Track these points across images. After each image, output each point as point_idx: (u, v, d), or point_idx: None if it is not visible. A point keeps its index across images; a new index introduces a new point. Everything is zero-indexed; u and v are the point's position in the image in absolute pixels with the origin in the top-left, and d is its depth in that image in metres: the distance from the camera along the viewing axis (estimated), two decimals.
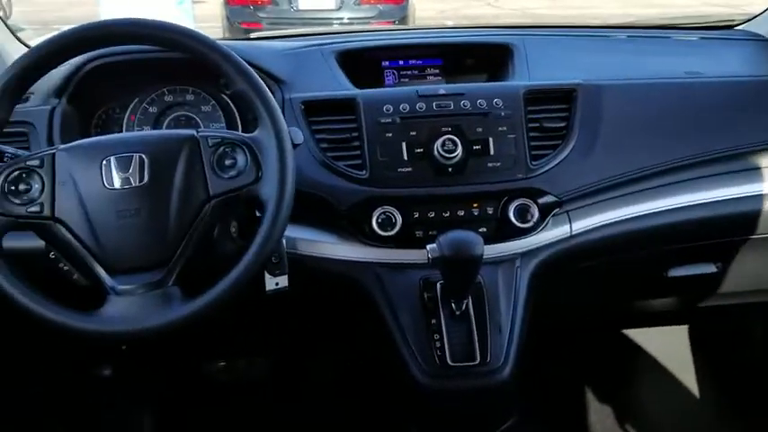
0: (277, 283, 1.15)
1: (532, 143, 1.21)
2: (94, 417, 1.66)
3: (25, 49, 1.14)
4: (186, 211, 0.97)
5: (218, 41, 1.01)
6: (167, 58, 1.28)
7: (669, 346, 1.82)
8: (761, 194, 1.27)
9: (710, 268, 1.38)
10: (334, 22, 6.44)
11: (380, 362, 1.24)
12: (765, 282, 1.47)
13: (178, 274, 0.96)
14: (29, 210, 0.94)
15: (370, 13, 6.53)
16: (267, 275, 1.13)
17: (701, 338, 1.81)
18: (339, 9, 6.50)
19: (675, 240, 1.30)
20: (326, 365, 1.77)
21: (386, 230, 1.17)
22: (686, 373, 1.78)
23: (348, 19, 6.51)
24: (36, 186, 0.95)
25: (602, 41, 1.53)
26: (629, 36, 1.56)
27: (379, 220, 1.17)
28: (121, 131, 1.33)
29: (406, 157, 1.18)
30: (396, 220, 1.17)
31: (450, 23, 8.23)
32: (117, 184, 0.95)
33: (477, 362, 1.10)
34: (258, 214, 1.13)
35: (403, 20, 6.54)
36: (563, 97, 1.25)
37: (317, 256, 1.21)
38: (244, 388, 1.78)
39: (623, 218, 1.24)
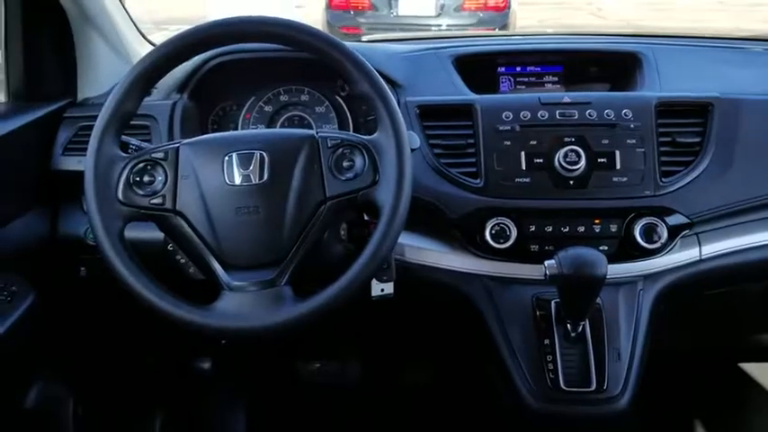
0: (383, 290, 1.12)
1: (663, 158, 1.13)
2: (191, 410, 1.69)
3: (150, 47, 1.17)
4: (303, 211, 0.96)
5: (341, 42, 0.99)
6: (285, 58, 1.29)
7: None
8: None
9: None
10: (433, 28, 6.41)
11: (481, 380, 1.19)
12: None
13: (290, 273, 0.95)
14: (152, 201, 0.96)
15: (471, 20, 6.45)
16: (374, 281, 1.10)
17: None
18: (439, 16, 6.46)
19: None
20: (422, 376, 1.74)
21: (499, 243, 1.13)
22: None
23: (447, 26, 6.46)
24: (159, 179, 0.96)
25: (738, 54, 1.43)
26: (765, 49, 1.45)
27: (493, 232, 1.13)
28: (237, 129, 1.35)
29: (524, 167, 1.13)
30: (510, 232, 1.12)
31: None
32: (237, 180, 0.95)
33: (593, 388, 1.04)
34: (367, 218, 1.12)
35: (504, 28, 6.43)
36: (698, 111, 1.17)
37: (425, 265, 1.18)
38: (335, 390, 1.77)
39: (757, 244, 1.14)
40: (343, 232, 1.11)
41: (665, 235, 1.10)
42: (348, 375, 1.74)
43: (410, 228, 1.17)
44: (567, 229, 1.12)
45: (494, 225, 1.13)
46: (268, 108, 1.35)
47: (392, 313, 1.42)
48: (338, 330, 1.64)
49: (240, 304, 0.92)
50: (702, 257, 1.14)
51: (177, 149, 0.98)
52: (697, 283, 1.15)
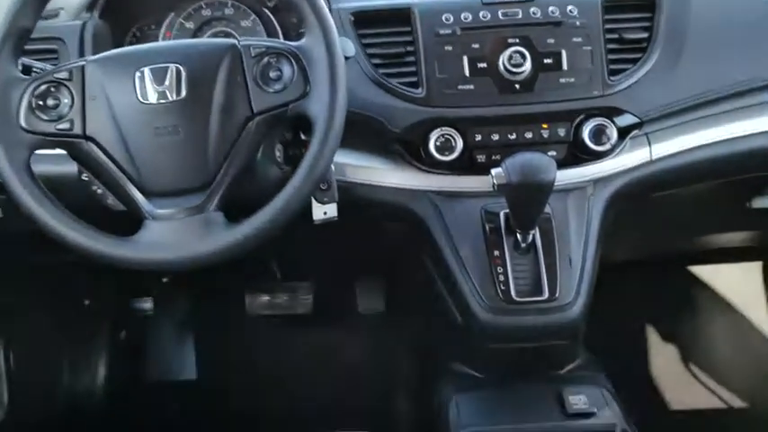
0: (325, 213, 1.06)
1: (610, 56, 1.08)
2: (136, 350, 1.64)
3: None
4: (228, 128, 0.88)
5: None
6: None
7: (739, 284, 1.71)
8: None
9: None
10: None
11: (433, 297, 1.16)
12: None
13: (220, 198, 0.88)
14: (58, 127, 0.87)
15: None
16: (315, 203, 1.04)
17: None
18: None
19: (760, 168, 1.17)
20: (374, 301, 1.71)
21: (444, 155, 1.07)
22: (758, 313, 1.67)
23: None
24: (65, 101, 0.88)
25: None
26: None
27: (438, 144, 1.07)
28: None
29: (467, 73, 1.06)
30: (455, 143, 1.07)
31: None
32: (152, 98, 0.86)
33: (545, 297, 1.01)
34: (304, 138, 1.05)
35: None
36: (646, 5, 1.11)
37: (368, 184, 1.12)
38: (287, 321, 1.74)
39: (710, 141, 1.11)
40: (278, 153, 1.04)
41: (614, 136, 1.06)
42: (299, 306, 1.70)
43: (350, 145, 1.10)
44: (514, 137, 1.07)
45: (438, 136, 1.07)
46: (189, 24, 1.24)
47: (339, 237, 1.37)
48: (285, 259, 1.60)
49: (165, 234, 0.86)
50: (653, 158, 1.10)
51: (83, 68, 0.88)
52: (647, 186, 1.12)
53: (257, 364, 1.66)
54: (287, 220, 0.87)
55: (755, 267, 1.71)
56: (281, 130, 1.02)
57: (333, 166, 1.04)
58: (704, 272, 1.71)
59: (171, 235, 0.85)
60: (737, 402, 1.51)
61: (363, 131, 1.09)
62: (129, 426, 1.59)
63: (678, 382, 1.56)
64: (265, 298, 1.71)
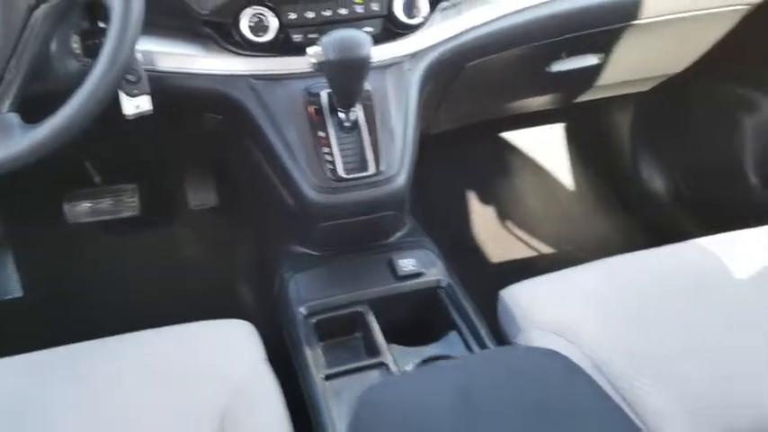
0: (138, 106, 0.99)
1: None
2: None
3: None
4: (10, 20, 0.79)
5: None
6: None
7: (546, 145, 1.87)
8: None
9: (593, 60, 1.36)
10: None
11: (263, 183, 1.16)
12: (643, 70, 1.48)
13: (13, 98, 0.80)
14: None
15: None
16: (126, 97, 0.97)
17: (575, 136, 1.87)
18: None
19: (561, 31, 1.25)
20: (203, 194, 1.67)
21: (259, 36, 1.03)
22: (562, 169, 1.85)
23: None
24: None
25: None
26: None
27: (251, 24, 1.03)
28: None
29: None
30: (269, 22, 1.03)
31: None
32: None
33: (371, 172, 1.04)
34: (103, 26, 0.96)
35: None
36: None
37: (180, 72, 1.06)
38: (114, 227, 1.65)
39: (515, 10, 1.17)
40: (75, 45, 0.95)
41: (425, 8, 1.08)
42: (125, 209, 1.62)
43: (157, 32, 1.04)
44: (329, 13, 1.05)
45: (250, 17, 1.02)
46: None
47: (159, 132, 1.31)
48: (103, 161, 1.50)
49: None
50: (463, 29, 1.14)
51: None
52: (460, 56, 1.16)
53: (87, 273, 1.58)
54: (90, 117, 0.81)
55: (558, 128, 1.87)
56: (75, 19, 0.93)
57: (140, 56, 0.97)
58: (515, 136, 1.84)
59: None
60: (546, 249, 1.70)
61: (170, 16, 1.03)
62: None
63: (496, 237, 1.71)
64: (86, 205, 1.61)
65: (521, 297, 1.02)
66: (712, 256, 1.02)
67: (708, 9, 1.29)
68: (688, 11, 1.29)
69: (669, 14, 1.28)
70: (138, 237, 1.65)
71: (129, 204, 1.63)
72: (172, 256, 1.60)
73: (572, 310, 0.96)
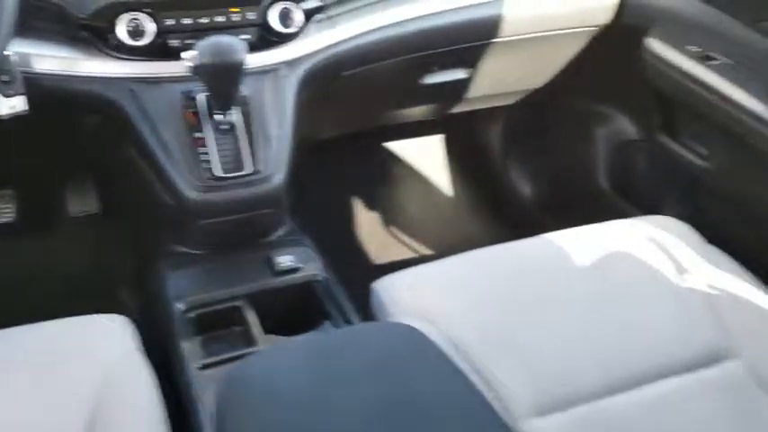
0: (13, 106, 1.01)
1: None
2: None
3: None
4: None
5: None
6: None
7: (426, 153, 1.98)
8: None
9: (461, 74, 1.47)
10: None
11: (143, 185, 1.18)
12: (507, 84, 1.62)
13: None
14: None
15: None
16: (0, 97, 0.98)
17: (452, 145, 1.99)
18: None
19: (430, 46, 1.35)
20: (84, 200, 1.65)
21: (136, 40, 1.07)
22: (439, 176, 1.96)
23: None
24: None
25: None
26: None
27: (129, 29, 1.06)
28: None
29: None
30: (146, 27, 1.07)
31: None
32: None
33: (248, 171, 1.10)
34: None
35: None
36: None
37: (57, 74, 1.08)
38: None
39: (385, 24, 1.26)
40: None
41: (300, 19, 1.15)
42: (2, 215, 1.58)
43: (34, 34, 1.06)
44: (206, 20, 1.10)
45: (127, 21, 1.06)
46: None
47: (38, 136, 1.30)
48: None
49: None
50: (337, 40, 1.22)
51: None
52: (335, 65, 1.24)
53: None
54: None
55: (437, 138, 1.99)
56: None
57: (16, 57, 0.98)
58: (397, 145, 1.94)
59: None
60: (423, 249, 1.80)
61: (48, 19, 1.05)
62: None
63: (376, 239, 1.80)
64: None
65: (390, 287, 1.09)
66: (558, 247, 1.14)
67: (561, 30, 1.44)
68: (543, 31, 1.43)
69: (527, 34, 1.41)
70: (13, 246, 1.61)
71: (3, 211, 1.59)
72: (47, 263, 1.57)
73: (435, 297, 1.04)
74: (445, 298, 1.04)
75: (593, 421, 0.87)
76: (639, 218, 1.21)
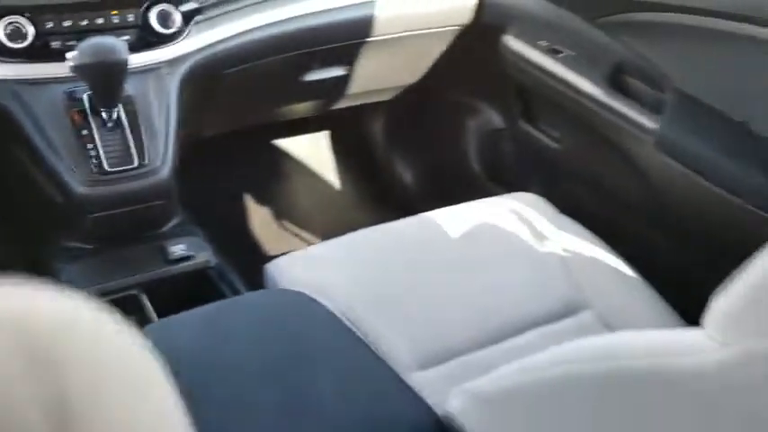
0: None
1: None
2: None
3: None
4: None
5: None
6: None
7: (314, 148, 2.06)
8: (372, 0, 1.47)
9: (340, 71, 1.57)
10: None
11: (32, 186, 1.20)
12: (384, 80, 1.73)
13: None
14: None
15: None
16: None
17: (339, 140, 2.09)
18: None
19: (308, 44, 1.44)
20: None
21: (17, 42, 1.10)
22: (328, 171, 2.05)
23: None
24: None
25: None
26: None
27: (8, 32, 1.09)
28: None
29: None
30: (26, 30, 1.10)
31: None
32: None
33: (135, 165, 1.14)
34: None
35: None
36: None
37: None
38: None
39: (261, 24, 1.33)
40: None
41: (179, 20, 1.21)
42: None
43: None
44: (86, 23, 1.14)
45: (7, 25, 1.09)
46: None
47: None
48: None
49: None
50: (216, 40, 1.29)
51: None
52: (216, 64, 1.30)
53: None
54: None
55: (325, 133, 2.08)
56: None
57: None
58: (287, 140, 2.01)
59: None
60: (314, 238, 1.88)
61: None
62: None
63: (269, 230, 1.86)
64: None
65: (282, 267, 1.17)
66: (433, 224, 1.25)
67: (426, 29, 1.57)
68: (410, 30, 1.55)
69: (396, 33, 1.53)
70: None
71: None
72: None
73: (323, 270, 1.13)
74: (332, 271, 1.13)
75: (468, 371, 0.98)
76: (503, 195, 1.35)
